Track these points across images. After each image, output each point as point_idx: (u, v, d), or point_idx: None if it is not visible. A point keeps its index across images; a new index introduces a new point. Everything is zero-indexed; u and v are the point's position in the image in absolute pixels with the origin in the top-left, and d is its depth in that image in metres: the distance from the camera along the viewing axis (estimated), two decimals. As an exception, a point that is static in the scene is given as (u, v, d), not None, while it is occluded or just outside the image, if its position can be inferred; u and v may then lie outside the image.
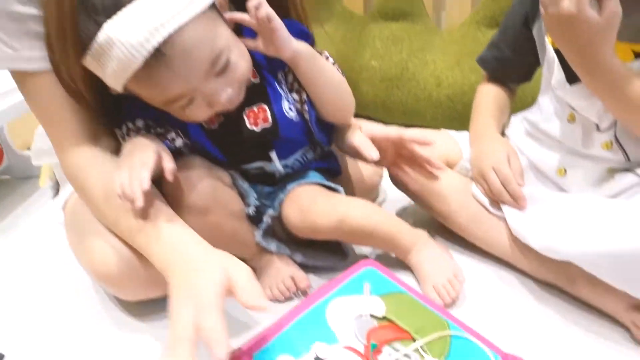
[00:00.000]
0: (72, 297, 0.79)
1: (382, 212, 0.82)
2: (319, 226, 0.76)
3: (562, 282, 0.72)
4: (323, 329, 0.63)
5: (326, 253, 0.83)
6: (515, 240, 0.76)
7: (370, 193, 0.96)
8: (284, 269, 0.78)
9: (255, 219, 0.79)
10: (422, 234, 0.80)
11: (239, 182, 0.77)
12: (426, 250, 0.77)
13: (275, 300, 0.77)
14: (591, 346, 0.66)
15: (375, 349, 0.60)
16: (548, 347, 0.67)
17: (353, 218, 0.76)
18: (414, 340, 0.62)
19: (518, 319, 0.72)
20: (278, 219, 0.80)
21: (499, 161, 0.78)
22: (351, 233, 0.77)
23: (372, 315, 0.65)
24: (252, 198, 0.77)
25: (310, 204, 0.76)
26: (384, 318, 0.64)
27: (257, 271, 0.79)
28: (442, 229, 0.87)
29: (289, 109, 0.75)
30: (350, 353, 0.60)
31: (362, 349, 0.61)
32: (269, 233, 0.79)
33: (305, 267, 0.80)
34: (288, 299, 0.77)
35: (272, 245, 0.78)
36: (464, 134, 0.92)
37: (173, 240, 0.62)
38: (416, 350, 0.61)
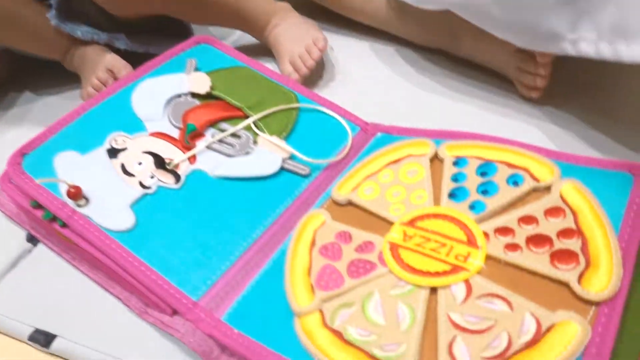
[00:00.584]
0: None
1: None
2: None
3: (445, 42, 0.58)
4: (126, 117, 0.47)
5: (162, 37, 0.65)
6: (391, 3, 0.60)
7: None
8: (98, 61, 0.60)
9: None
10: (282, 5, 0.63)
11: None
12: (285, 22, 0.61)
13: None
14: (475, 111, 0.55)
15: (194, 132, 0.46)
16: (424, 116, 0.55)
17: None
18: (247, 117, 0.48)
19: (392, 91, 0.59)
20: None
21: None
22: (180, 2, 0.59)
23: (193, 95, 0.49)
24: None
25: None
26: (210, 96, 0.49)
27: (81, 75, 0.62)
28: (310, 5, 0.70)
29: None
30: (158, 141, 0.45)
31: (176, 134, 0.46)
32: (68, 13, 0.59)
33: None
34: None
35: (77, 30, 0.59)
36: None
37: None
38: (249, 127, 0.47)
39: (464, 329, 0.29)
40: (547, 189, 0.35)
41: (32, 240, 0.45)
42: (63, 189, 0.40)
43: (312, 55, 0.56)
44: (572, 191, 0.34)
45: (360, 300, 0.32)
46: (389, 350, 0.29)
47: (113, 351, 0.37)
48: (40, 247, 0.45)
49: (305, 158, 0.44)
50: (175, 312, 0.37)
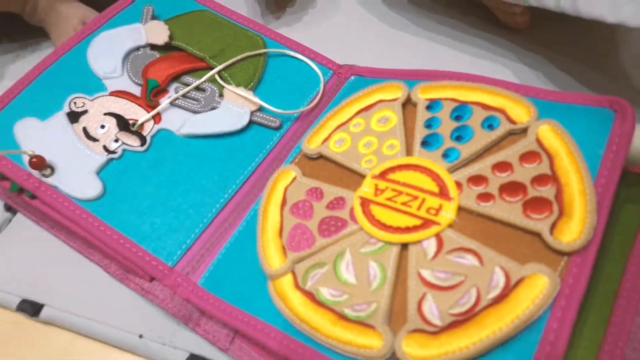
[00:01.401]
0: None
1: None
2: None
3: None
4: (83, 76, 0.44)
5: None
6: None
7: None
8: (71, 14, 0.57)
9: None
10: None
11: None
12: None
13: None
14: (451, 50, 0.52)
15: (156, 89, 0.44)
16: (400, 56, 0.52)
17: None
18: (211, 68, 0.45)
19: (367, 31, 0.55)
20: None
21: None
22: None
23: (152, 47, 0.46)
24: None
25: None
26: (170, 47, 0.46)
27: (49, 32, 0.58)
28: None
29: None
30: (119, 100, 0.43)
31: (138, 92, 0.44)
32: None
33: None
34: None
35: None
36: None
37: None
38: (213, 79, 0.44)
39: (433, 286, 0.29)
40: (524, 131, 0.34)
41: (10, 209, 0.45)
42: (26, 159, 0.39)
43: None
44: (549, 133, 0.32)
45: (331, 260, 0.32)
46: (360, 310, 0.29)
47: (98, 317, 0.38)
48: (19, 216, 0.45)
49: (275, 110, 0.42)
50: (153, 278, 0.37)
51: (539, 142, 0.33)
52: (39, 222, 0.43)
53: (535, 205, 0.30)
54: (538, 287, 0.27)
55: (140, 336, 0.36)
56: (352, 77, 0.44)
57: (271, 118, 0.43)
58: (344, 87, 0.44)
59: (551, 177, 0.31)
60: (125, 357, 0.37)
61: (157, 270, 0.36)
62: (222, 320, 0.33)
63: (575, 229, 0.28)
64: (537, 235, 0.29)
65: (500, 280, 0.28)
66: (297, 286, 0.32)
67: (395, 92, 0.39)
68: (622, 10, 0.34)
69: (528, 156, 0.32)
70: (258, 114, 0.43)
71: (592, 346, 0.27)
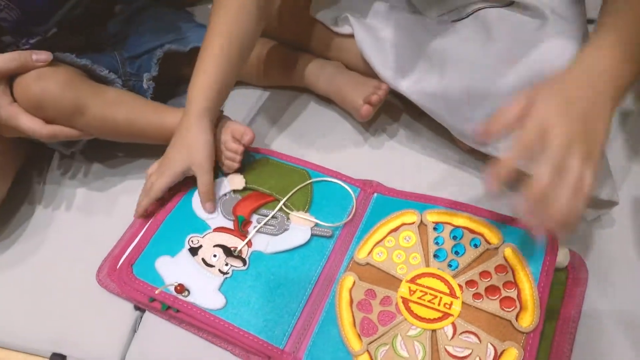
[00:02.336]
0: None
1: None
2: None
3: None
4: (192, 221, 0.64)
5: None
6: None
7: None
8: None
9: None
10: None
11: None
12: (337, 71, 0.75)
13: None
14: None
15: (244, 222, 0.63)
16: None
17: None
18: (278, 200, 0.64)
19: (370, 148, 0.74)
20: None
21: None
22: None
23: (234, 191, 0.65)
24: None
25: None
26: (246, 189, 0.65)
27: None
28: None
29: None
30: (221, 234, 0.62)
31: (232, 226, 0.63)
32: None
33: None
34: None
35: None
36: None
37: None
38: (281, 209, 0.64)
39: (454, 357, 0.51)
40: (496, 249, 0.56)
41: (139, 309, 0.63)
42: (171, 287, 0.58)
43: (381, 88, 0.70)
44: (511, 253, 0.55)
45: (390, 341, 0.54)
46: (414, 374, 0.51)
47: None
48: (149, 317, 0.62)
49: (327, 225, 0.62)
50: (269, 358, 0.57)
51: (505, 258, 0.55)
52: (170, 320, 0.61)
53: (506, 302, 0.52)
54: (512, 355, 0.49)
55: None
56: (375, 195, 0.65)
57: (325, 230, 0.63)
58: (371, 204, 0.64)
59: (514, 284, 0.53)
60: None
61: (273, 351, 0.56)
62: (325, 383, 0.54)
63: (529, 318, 0.51)
64: (508, 321, 0.51)
65: (491, 351, 0.50)
66: (372, 360, 0.53)
67: (412, 217, 0.60)
68: None
69: (499, 268, 0.54)
70: (315, 228, 0.63)
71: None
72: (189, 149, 0.63)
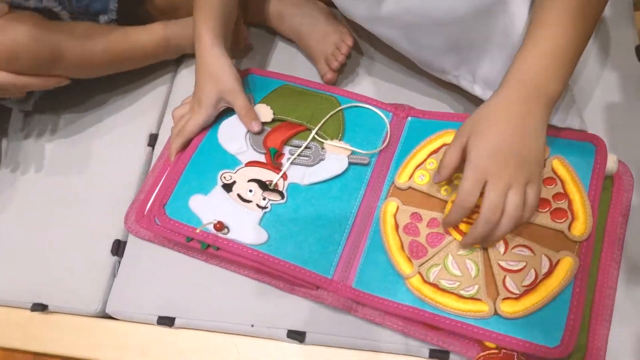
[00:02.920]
0: None
1: None
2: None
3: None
4: (222, 156, 0.61)
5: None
6: None
7: None
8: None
9: None
10: None
11: None
12: (302, 13, 0.69)
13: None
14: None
15: (277, 154, 0.60)
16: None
17: None
18: (309, 130, 0.62)
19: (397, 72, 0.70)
20: None
21: None
22: None
23: (263, 124, 0.62)
24: None
25: None
26: (275, 120, 0.62)
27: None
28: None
29: None
30: (254, 169, 0.60)
31: (264, 159, 0.61)
32: None
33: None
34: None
35: None
36: None
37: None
38: (314, 138, 0.61)
39: (509, 270, 0.51)
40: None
41: (117, 254, 0.63)
42: (210, 226, 0.56)
43: (342, 51, 0.66)
44: (559, 165, 0.54)
45: (442, 261, 0.53)
46: (469, 290, 0.51)
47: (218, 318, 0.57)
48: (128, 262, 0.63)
49: (363, 152, 0.60)
50: (317, 287, 0.57)
51: (553, 170, 0.54)
52: (207, 261, 0.60)
53: (557, 213, 0.52)
54: (569, 264, 0.49)
55: (252, 325, 0.56)
56: (409, 118, 0.62)
57: (362, 157, 0.61)
58: (406, 128, 0.62)
59: (564, 195, 0.52)
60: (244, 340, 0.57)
61: (322, 281, 0.56)
62: (377, 308, 0.54)
63: (582, 227, 0.51)
64: (561, 232, 0.51)
65: (546, 263, 0.50)
66: (425, 281, 0.53)
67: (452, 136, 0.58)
68: None
69: (548, 181, 0.53)
70: (351, 156, 0.61)
71: (592, 282, 0.51)
72: (215, 79, 0.60)
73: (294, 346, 0.57)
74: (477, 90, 0.60)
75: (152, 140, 0.69)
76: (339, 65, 0.67)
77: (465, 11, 0.55)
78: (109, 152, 0.70)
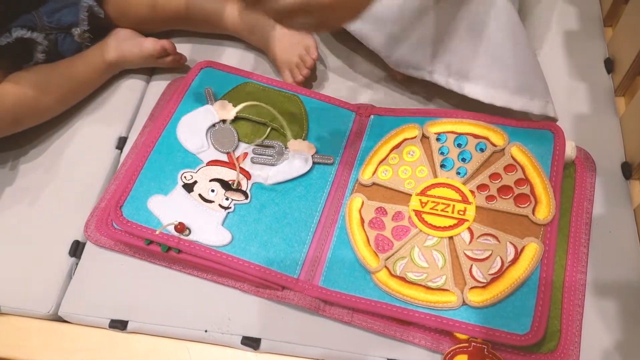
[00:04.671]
0: None
1: None
2: (135, 17, 0.71)
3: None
4: (181, 155, 0.59)
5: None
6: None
7: None
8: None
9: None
10: None
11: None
12: (271, 25, 0.69)
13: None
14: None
15: (239, 154, 0.60)
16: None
17: None
18: (274, 129, 0.61)
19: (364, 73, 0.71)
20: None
21: None
22: (167, 15, 0.71)
23: (224, 121, 0.61)
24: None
25: None
26: (237, 118, 0.61)
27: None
28: None
29: None
30: (216, 168, 0.59)
31: (226, 158, 0.60)
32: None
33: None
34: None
35: None
36: None
37: None
38: (278, 138, 0.61)
39: (475, 259, 0.50)
40: (502, 151, 0.55)
41: (74, 255, 0.60)
42: (170, 227, 0.54)
43: (306, 65, 0.66)
44: (518, 152, 0.54)
45: (408, 254, 0.52)
46: (436, 282, 0.50)
47: (171, 322, 0.55)
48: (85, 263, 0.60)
49: (327, 152, 0.60)
50: (283, 288, 0.55)
51: (513, 157, 0.54)
52: (170, 266, 0.58)
53: (520, 199, 0.52)
54: (533, 250, 0.49)
55: (206, 331, 0.54)
56: (372, 117, 0.63)
57: (326, 157, 0.60)
58: (369, 126, 0.62)
59: (525, 180, 0.52)
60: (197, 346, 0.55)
61: (288, 282, 0.54)
62: (345, 305, 0.52)
63: (545, 210, 0.50)
64: (525, 217, 0.51)
65: (511, 250, 0.50)
66: (391, 275, 0.52)
67: (414, 131, 0.58)
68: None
69: (509, 167, 0.54)
70: (316, 155, 0.60)
71: (561, 268, 0.51)
72: None
73: (249, 354, 0.54)
74: (452, 83, 0.60)
75: (121, 143, 0.68)
76: (302, 79, 0.67)
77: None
78: (76, 153, 0.68)
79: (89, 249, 0.61)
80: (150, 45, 0.69)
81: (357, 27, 0.62)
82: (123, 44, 0.70)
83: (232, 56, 0.74)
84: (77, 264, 0.61)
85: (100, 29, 0.72)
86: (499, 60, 0.58)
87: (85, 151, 0.69)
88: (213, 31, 0.74)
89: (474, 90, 0.59)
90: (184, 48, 0.74)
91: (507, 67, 0.58)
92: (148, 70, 0.75)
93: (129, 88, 0.74)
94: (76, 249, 0.61)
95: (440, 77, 0.61)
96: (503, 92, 0.57)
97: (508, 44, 0.58)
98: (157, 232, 0.54)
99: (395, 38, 0.61)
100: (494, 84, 0.58)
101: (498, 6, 0.57)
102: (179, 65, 0.72)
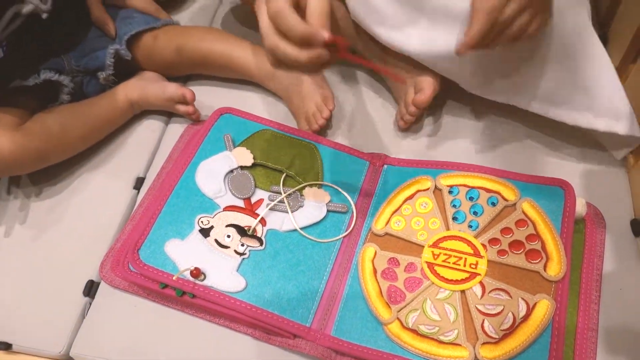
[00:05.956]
0: None
1: (223, 35, 0.76)
2: (161, 60, 0.75)
3: None
4: (199, 200, 0.61)
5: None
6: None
7: None
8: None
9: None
10: None
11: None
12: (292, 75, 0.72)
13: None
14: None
15: (256, 201, 0.61)
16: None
17: (187, 43, 0.74)
18: (289, 176, 0.63)
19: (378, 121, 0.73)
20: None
21: None
22: (191, 60, 0.75)
23: (242, 167, 0.63)
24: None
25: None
26: (255, 165, 0.63)
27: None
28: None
29: None
30: (232, 213, 0.60)
31: (242, 204, 0.61)
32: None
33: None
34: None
35: None
36: None
37: None
38: (292, 183, 0.62)
39: (487, 314, 0.51)
40: (513, 206, 0.56)
41: (88, 295, 0.61)
42: (187, 273, 0.55)
43: (323, 114, 0.67)
44: (529, 207, 0.55)
45: (420, 306, 0.53)
46: (449, 335, 0.51)
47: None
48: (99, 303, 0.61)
49: (341, 201, 0.61)
50: (295, 336, 0.55)
51: (524, 213, 0.55)
52: (183, 310, 0.58)
53: (531, 254, 0.53)
54: (545, 307, 0.49)
55: None
56: (385, 166, 0.64)
57: (340, 205, 0.61)
58: (382, 176, 0.63)
59: (536, 236, 0.53)
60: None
61: (299, 330, 0.55)
62: (357, 357, 0.52)
63: (556, 267, 0.51)
64: (537, 273, 0.52)
65: (523, 306, 0.50)
66: (403, 327, 0.52)
67: (426, 183, 0.60)
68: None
69: (520, 222, 0.55)
70: (330, 204, 0.61)
71: (572, 325, 0.51)
72: None
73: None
74: (535, 107, 0.61)
75: (139, 183, 0.69)
76: (318, 129, 0.68)
77: None
78: (94, 191, 0.70)
79: (103, 289, 0.62)
80: (172, 89, 0.71)
81: (444, 67, 0.63)
82: (147, 84, 0.73)
83: (252, 102, 0.76)
84: (90, 303, 0.61)
85: (127, 72, 0.75)
86: (583, 83, 0.59)
87: (103, 190, 0.70)
88: (235, 76, 0.77)
89: (557, 113, 0.61)
90: (205, 92, 0.77)
91: (590, 90, 0.59)
92: (167, 112, 0.78)
93: (149, 128, 0.76)
94: (90, 289, 0.61)
95: (523, 100, 0.62)
96: (587, 115, 0.60)
97: (591, 68, 0.59)
98: (174, 277, 0.55)
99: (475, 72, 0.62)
100: (578, 107, 0.60)
101: (581, 31, 0.58)
102: (191, 119, 0.74)
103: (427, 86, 0.64)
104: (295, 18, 0.42)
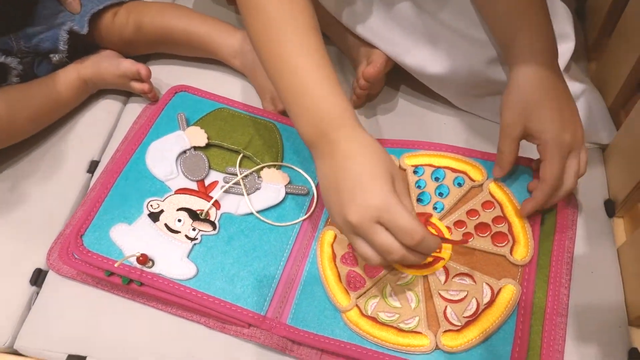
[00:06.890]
0: None
1: (184, 10, 0.72)
2: (119, 39, 0.70)
3: None
4: (149, 182, 0.57)
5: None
6: None
7: None
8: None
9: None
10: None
11: None
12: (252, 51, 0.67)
13: None
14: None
15: (210, 182, 0.57)
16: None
17: (145, 19, 0.69)
18: (246, 157, 0.59)
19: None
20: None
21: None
22: (151, 37, 0.70)
23: (195, 148, 0.59)
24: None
25: None
26: (209, 145, 0.59)
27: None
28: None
29: None
30: (184, 196, 0.56)
31: (195, 186, 0.57)
32: None
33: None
34: None
35: None
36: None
37: None
38: (250, 164, 0.59)
39: (449, 300, 0.48)
40: (480, 186, 0.53)
41: (35, 284, 0.57)
42: (132, 259, 0.52)
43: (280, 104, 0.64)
44: (496, 188, 0.52)
45: (380, 292, 0.50)
46: (409, 323, 0.48)
47: None
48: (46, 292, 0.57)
49: (305, 178, 0.58)
50: (250, 325, 0.52)
51: (491, 194, 0.52)
52: (134, 299, 0.55)
53: (498, 237, 0.50)
54: (510, 292, 0.46)
55: None
56: (349, 146, 0.60)
57: (300, 187, 0.58)
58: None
59: (503, 218, 0.50)
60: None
61: (254, 319, 0.51)
62: (313, 346, 0.49)
63: (523, 250, 0.48)
64: (503, 257, 0.49)
65: (487, 292, 0.47)
66: (362, 314, 0.49)
67: (390, 163, 0.56)
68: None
69: (486, 204, 0.52)
70: (289, 185, 0.58)
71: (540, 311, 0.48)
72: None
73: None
74: None
75: (93, 166, 0.65)
76: (283, 108, 0.64)
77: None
78: (45, 175, 0.65)
79: (51, 278, 0.58)
80: (127, 65, 0.67)
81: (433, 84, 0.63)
82: (101, 60, 0.69)
83: (215, 81, 0.72)
84: (37, 293, 0.58)
85: (82, 54, 0.70)
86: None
87: (54, 175, 0.66)
88: (197, 55, 0.73)
89: None
90: (166, 71, 0.73)
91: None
92: (125, 92, 0.74)
93: (105, 109, 0.72)
94: (37, 278, 0.58)
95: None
96: None
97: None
98: (116, 264, 0.51)
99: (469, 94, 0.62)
100: None
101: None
102: (147, 97, 0.70)
103: (377, 58, 0.60)
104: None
